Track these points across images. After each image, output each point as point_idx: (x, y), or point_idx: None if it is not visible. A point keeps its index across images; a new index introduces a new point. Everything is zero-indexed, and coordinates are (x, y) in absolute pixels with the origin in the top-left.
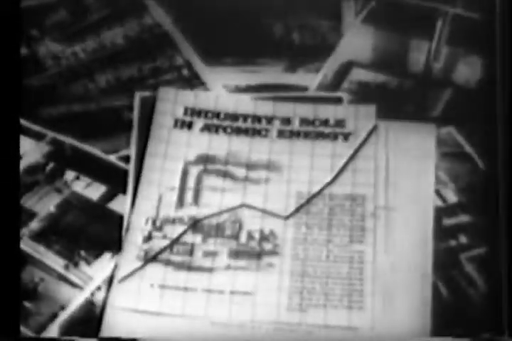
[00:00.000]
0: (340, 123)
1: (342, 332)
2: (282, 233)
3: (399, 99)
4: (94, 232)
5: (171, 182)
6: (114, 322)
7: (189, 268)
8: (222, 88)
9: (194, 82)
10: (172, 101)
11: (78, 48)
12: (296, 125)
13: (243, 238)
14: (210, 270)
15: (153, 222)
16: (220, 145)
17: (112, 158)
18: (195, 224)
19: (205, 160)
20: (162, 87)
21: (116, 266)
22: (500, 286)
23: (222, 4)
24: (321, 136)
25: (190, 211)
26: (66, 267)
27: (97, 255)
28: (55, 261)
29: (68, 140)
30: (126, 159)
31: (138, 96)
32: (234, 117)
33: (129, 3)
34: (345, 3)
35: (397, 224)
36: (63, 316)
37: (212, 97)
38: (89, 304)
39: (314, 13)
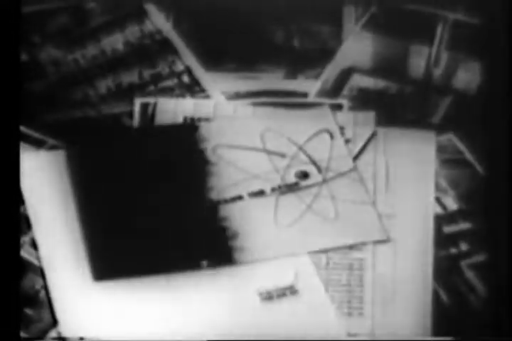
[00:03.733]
0: (339, 129)
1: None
2: None
3: (399, 105)
4: None
5: None
6: None
7: None
8: (222, 94)
9: (194, 88)
10: (171, 112)
11: (79, 54)
12: None
13: None
14: None
15: None
16: None
17: None
18: None
19: None
20: (161, 97)
21: None
22: (501, 293)
23: (222, 10)
24: None
25: None
26: None
27: None
28: None
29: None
30: None
31: (138, 103)
32: None
33: (129, 9)
34: (345, 9)
35: (397, 231)
36: None
37: (211, 105)
38: None
39: (315, 19)
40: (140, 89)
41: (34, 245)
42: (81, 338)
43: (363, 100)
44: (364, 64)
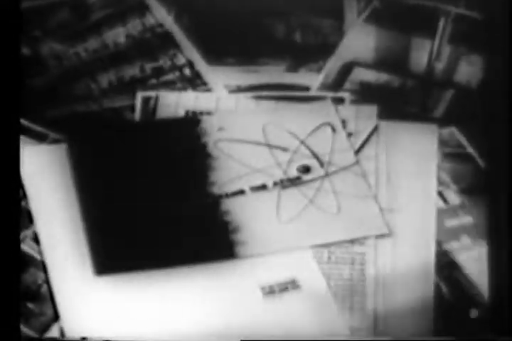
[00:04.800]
0: (342, 123)
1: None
2: None
3: (401, 98)
4: None
5: None
6: None
7: None
8: (224, 88)
9: (196, 81)
10: (173, 106)
11: (80, 48)
12: None
13: None
14: None
15: None
16: None
17: None
18: None
19: None
20: (163, 90)
21: None
22: (502, 287)
23: (224, 4)
24: None
25: None
26: None
27: None
28: None
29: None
30: None
31: (140, 97)
32: None
33: (130, 2)
34: (347, 2)
35: (398, 225)
36: None
37: (213, 99)
38: None
39: (316, 13)
40: (142, 82)
41: (36, 239)
42: (83, 338)
43: (365, 94)
44: (366, 57)
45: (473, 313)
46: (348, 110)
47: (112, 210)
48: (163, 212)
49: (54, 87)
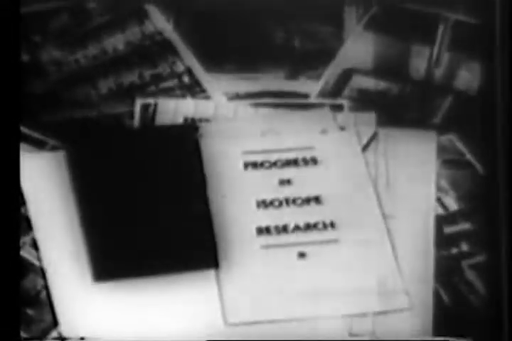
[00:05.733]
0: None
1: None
2: None
3: (400, 106)
4: None
5: None
6: None
7: None
8: (223, 95)
9: (194, 89)
10: (172, 113)
11: (80, 54)
12: None
13: None
14: None
15: None
16: None
17: None
18: None
19: None
20: (161, 97)
21: None
22: (501, 293)
23: (223, 11)
24: None
25: None
26: None
27: None
28: None
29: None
30: None
31: (138, 103)
32: None
33: (130, 9)
34: (346, 9)
35: (397, 232)
36: None
37: (212, 106)
38: None
39: (315, 19)
40: (141, 89)
41: (35, 246)
42: (82, 338)
43: (364, 101)
44: (365, 64)
45: None
46: (346, 117)
47: (110, 217)
48: (162, 218)
49: (53, 94)
